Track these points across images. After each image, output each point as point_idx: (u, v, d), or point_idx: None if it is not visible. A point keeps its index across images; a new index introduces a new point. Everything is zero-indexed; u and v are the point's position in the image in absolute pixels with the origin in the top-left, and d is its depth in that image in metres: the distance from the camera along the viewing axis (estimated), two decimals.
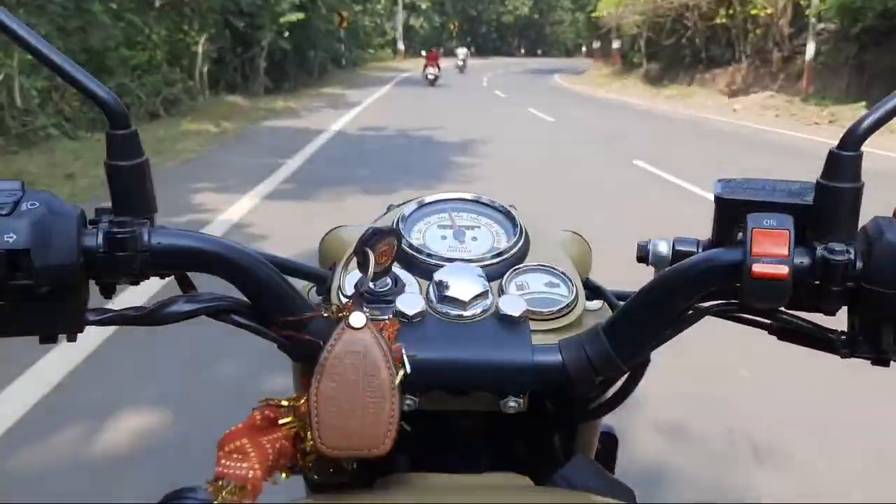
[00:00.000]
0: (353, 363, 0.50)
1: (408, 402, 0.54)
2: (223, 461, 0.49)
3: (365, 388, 0.50)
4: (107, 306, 0.51)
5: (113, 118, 0.48)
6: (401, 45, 50.20)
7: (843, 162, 0.46)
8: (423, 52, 30.71)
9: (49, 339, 0.49)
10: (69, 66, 0.46)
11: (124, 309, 0.51)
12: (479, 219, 0.69)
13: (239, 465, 0.49)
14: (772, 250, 0.46)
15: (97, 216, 0.50)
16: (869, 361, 0.50)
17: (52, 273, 0.45)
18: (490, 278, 0.59)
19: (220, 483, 0.48)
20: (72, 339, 0.50)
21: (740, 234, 0.51)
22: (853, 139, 0.46)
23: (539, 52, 74.40)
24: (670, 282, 0.50)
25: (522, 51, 59.99)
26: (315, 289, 0.64)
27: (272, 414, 0.51)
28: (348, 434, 0.49)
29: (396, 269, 0.60)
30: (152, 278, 0.51)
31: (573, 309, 0.58)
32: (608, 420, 0.80)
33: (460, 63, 35.82)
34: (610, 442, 0.82)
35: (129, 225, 0.47)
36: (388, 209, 0.75)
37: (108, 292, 0.51)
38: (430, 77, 24.80)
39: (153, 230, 0.49)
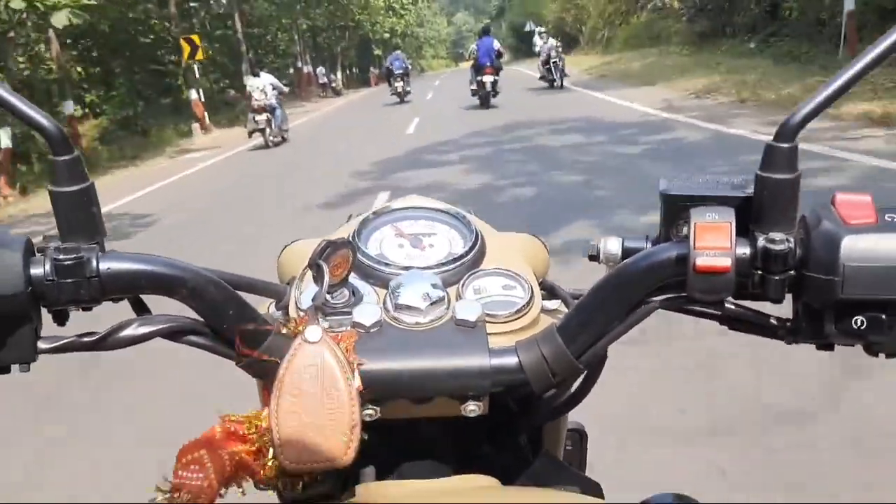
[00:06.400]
0: (312, 377, 0.50)
1: (369, 412, 0.54)
2: (179, 472, 0.49)
3: (325, 401, 0.50)
4: (60, 333, 0.51)
5: (54, 144, 0.47)
6: None
7: (780, 153, 0.47)
8: None
9: (1, 370, 0.49)
10: (8, 94, 0.46)
11: (78, 335, 0.51)
12: (435, 225, 0.69)
13: (195, 475, 0.49)
14: (714, 243, 0.47)
15: (44, 243, 0.49)
16: (814, 347, 0.51)
17: (0, 303, 0.45)
18: (447, 284, 0.60)
19: (175, 495, 0.48)
20: (24, 368, 0.49)
21: (685, 229, 0.52)
22: (788, 131, 0.47)
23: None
24: (619, 278, 0.51)
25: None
26: (274, 304, 0.64)
27: (233, 428, 0.51)
28: (310, 448, 0.49)
29: (354, 279, 0.60)
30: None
31: (529, 310, 0.59)
32: (577, 417, 0.81)
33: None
34: (579, 438, 0.83)
35: (76, 251, 0.47)
36: (349, 218, 0.75)
37: (61, 319, 0.51)
38: None
39: (102, 255, 0.49)
